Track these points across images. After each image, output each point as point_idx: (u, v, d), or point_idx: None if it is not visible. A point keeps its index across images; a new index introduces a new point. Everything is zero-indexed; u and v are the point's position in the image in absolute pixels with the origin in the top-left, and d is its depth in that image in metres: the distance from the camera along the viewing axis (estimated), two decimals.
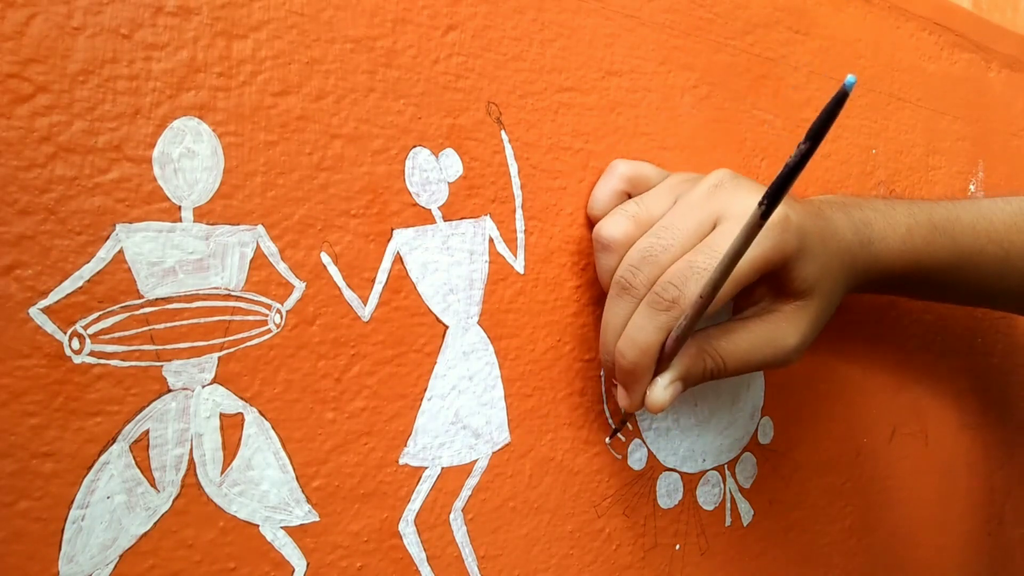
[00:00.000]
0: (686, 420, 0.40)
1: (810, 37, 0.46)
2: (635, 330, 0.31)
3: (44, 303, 0.24)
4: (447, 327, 0.32)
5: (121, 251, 0.25)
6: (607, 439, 0.37)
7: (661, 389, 0.32)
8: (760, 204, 0.25)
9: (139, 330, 0.25)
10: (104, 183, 0.25)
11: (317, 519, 0.29)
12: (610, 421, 0.37)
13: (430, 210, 0.32)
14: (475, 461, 0.33)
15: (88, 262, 0.25)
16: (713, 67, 0.41)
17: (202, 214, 0.27)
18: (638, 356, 0.31)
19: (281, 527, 0.28)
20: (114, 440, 0.25)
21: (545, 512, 0.35)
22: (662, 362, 0.32)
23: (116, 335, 0.25)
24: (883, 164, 0.50)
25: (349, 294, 0.30)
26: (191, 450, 0.26)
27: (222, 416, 0.27)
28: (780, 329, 0.33)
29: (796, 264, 0.32)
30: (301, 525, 0.28)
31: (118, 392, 0.25)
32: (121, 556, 0.25)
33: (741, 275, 0.31)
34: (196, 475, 0.26)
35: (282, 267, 0.28)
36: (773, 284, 0.34)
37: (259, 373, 0.28)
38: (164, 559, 0.26)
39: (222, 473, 0.27)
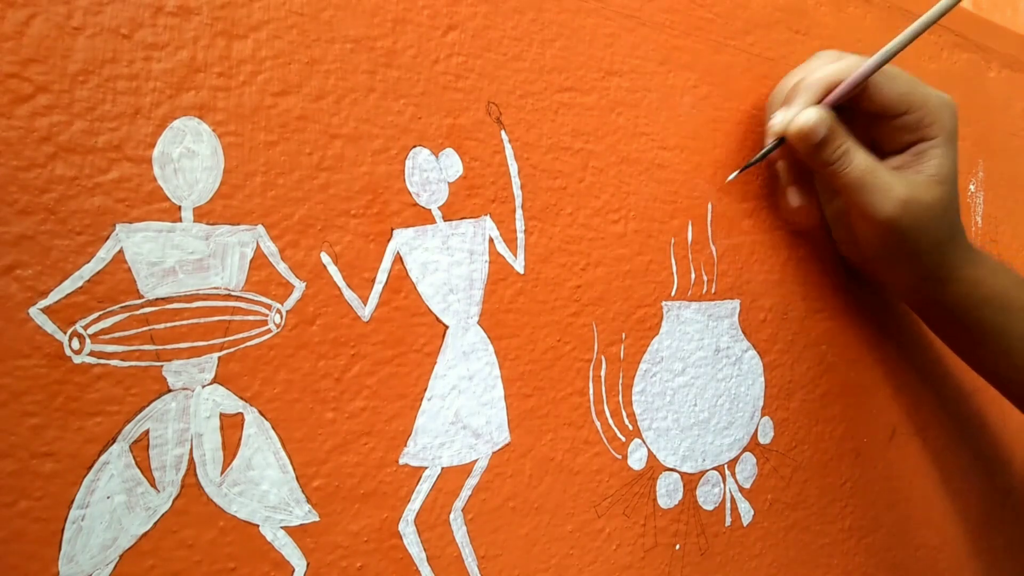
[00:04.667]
0: (686, 420, 0.40)
1: (810, 37, 0.46)
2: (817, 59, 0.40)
3: (44, 303, 0.24)
4: (447, 327, 0.32)
5: (121, 251, 0.25)
6: (733, 174, 0.41)
7: (811, 112, 0.38)
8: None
9: (139, 330, 0.25)
10: (104, 183, 0.25)
11: (317, 519, 0.29)
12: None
13: (430, 210, 0.32)
14: (475, 461, 0.33)
15: (88, 262, 0.25)
16: (713, 67, 0.41)
17: (202, 214, 0.27)
18: (805, 82, 0.39)
19: (281, 527, 0.28)
20: (114, 440, 0.25)
21: (545, 512, 0.35)
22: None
23: (116, 335, 0.25)
24: None
25: (349, 294, 0.30)
26: (191, 450, 0.26)
27: (222, 416, 0.27)
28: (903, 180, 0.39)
29: (936, 148, 0.40)
30: (301, 525, 0.28)
31: (118, 392, 0.25)
32: (121, 556, 0.25)
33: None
34: (196, 475, 0.26)
35: (282, 267, 0.28)
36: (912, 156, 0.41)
37: (259, 373, 0.28)
38: (164, 559, 0.26)
39: (222, 473, 0.27)
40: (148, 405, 0.25)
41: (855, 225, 0.42)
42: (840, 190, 0.40)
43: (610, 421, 0.37)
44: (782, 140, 0.40)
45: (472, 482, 0.33)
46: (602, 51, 0.37)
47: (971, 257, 0.43)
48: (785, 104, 0.40)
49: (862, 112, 0.40)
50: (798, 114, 0.38)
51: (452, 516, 0.32)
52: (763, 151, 0.40)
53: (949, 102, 0.41)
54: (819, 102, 0.39)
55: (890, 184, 0.39)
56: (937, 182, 0.40)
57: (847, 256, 0.47)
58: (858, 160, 0.39)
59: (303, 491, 0.28)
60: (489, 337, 0.33)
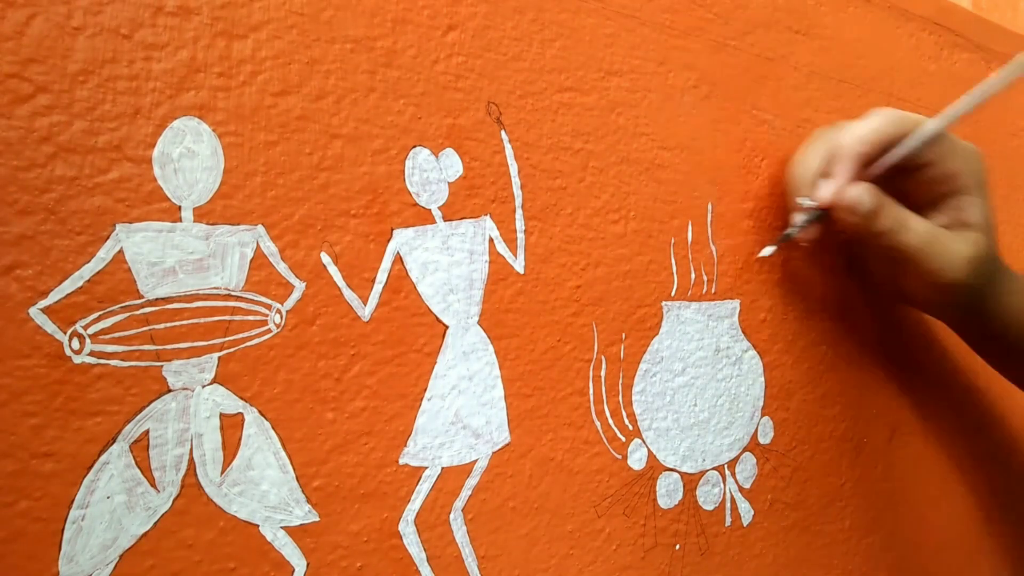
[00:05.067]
0: (686, 420, 0.40)
1: (810, 37, 0.46)
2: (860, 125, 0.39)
3: (44, 303, 0.24)
4: (447, 327, 0.32)
5: (121, 251, 0.25)
6: (770, 249, 0.42)
7: (861, 188, 0.38)
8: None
9: (139, 330, 0.25)
10: (104, 183, 0.25)
11: (317, 519, 0.29)
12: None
13: (430, 210, 0.32)
14: (475, 461, 0.33)
15: (88, 262, 0.25)
16: (713, 67, 0.41)
17: (202, 214, 0.27)
18: (853, 142, 0.38)
19: (281, 527, 0.28)
20: (114, 440, 0.25)
21: (545, 512, 0.35)
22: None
23: (116, 335, 0.25)
24: None
25: (349, 294, 0.30)
26: (191, 450, 0.26)
27: (222, 416, 0.27)
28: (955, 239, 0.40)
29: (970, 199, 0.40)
30: (301, 525, 0.28)
31: (118, 392, 0.25)
32: (121, 556, 0.25)
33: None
34: (196, 475, 0.26)
35: (282, 267, 0.28)
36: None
37: (259, 373, 0.28)
38: (164, 559, 0.26)
39: (222, 473, 0.27)
40: (148, 405, 0.25)
41: (912, 286, 0.42)
42: (897, 257, 0.40)
43: (610, 421, 0.37)
44: (821, 212, 0.39)
45: (472, 482, 0.33)
46: (602, 51, 0.37)
47: (1015, 284, 0.43)
48: (824, 175, 0.39)
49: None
50: (845, 189, 0.38)
51: (452, 516, 0.32)
52: (803, 221, 0.40)
53: (976, 151, 0.41)
54: (862, 166, 0.39)
55: (953, 247, 0.39)
56: (986, 232, 0.40)
57: (894, 296, 0.47)
58: (915, 226, 0.39)
59: (303, 491, 0.28)
60: (489, 337, 0.33)
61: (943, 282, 0.40)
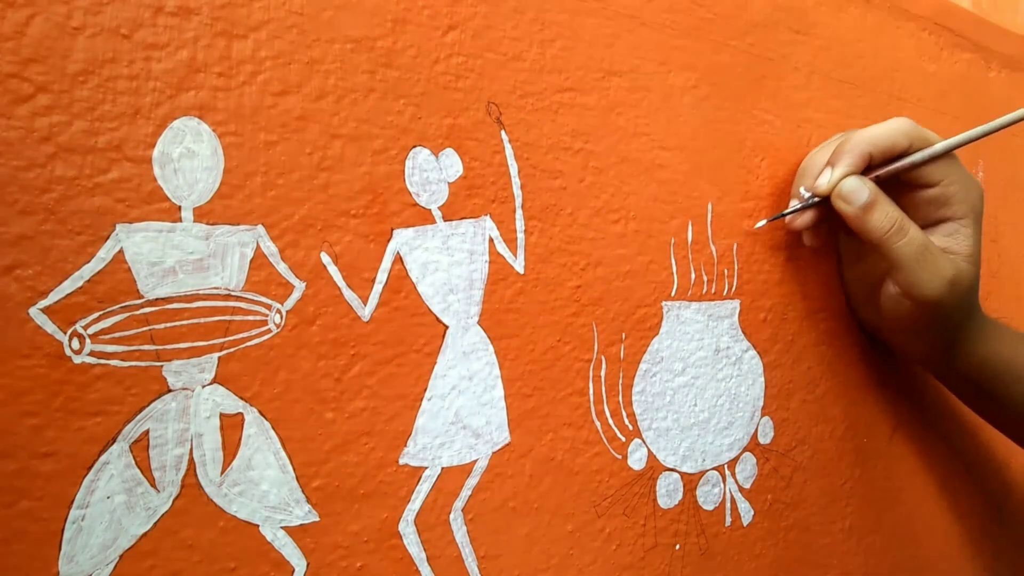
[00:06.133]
0: (686, 420, 0.40)
1: (810, 37, 0.46)
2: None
3: (44, 303, 0.24)
4: (447, 327, 0.32)
5: (121, 251, 0.25)
6: (763, 221, 0.42)
7: (858, 180, 0.39)
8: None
9: (139, 330, 0.25)
10: (104, 183, 0.25)
11: (317, 519, 0.29)
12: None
13: (430, 210, 0.32)
14: (475, 461, 0.33)
15: (88, 262, 0.25)
16: (713, 67, 0.41)
17: (202, 214, 0.27)
18: (860, 139, 0.39)
19: (281, 527, 0.28)
20: (114, 440, 0.25)
21: (545, 512, 0.35)
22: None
23: (116, 335, 0.25)
24: None
25: (349, 294, 0.30)
26: (191, 450, 0.26)
27: (222, 416, 0.27)
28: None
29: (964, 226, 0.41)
30: (301, 525, 0.28)
31: (118, 392, 0.25)
32: (121, 556, 0.25)
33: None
34: (196, 475, 0.26)
35: (282, 267, 0.28)
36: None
37: (259, 373, 0.28)
38: (164, 559, 0.26)
39: (222, 473, 0.27)
40: (148, 405, 0.25)
41: (889, 297, 0.42)
42: (890, 262, 0.40)
43: (610, 421, 0.37)
44: (821, 199, 0.40)
45: (472, 482, 0.33)
46: (602, 51, 0.37)
47: (988, 329, 0.44)
48: (829, 164, 0.40)
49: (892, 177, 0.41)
50: (843, 179, 0.39)
51: (452, 516, 0.32)
52: (801, 204, 0.41)
53: (979, 185, 0.41)
54: (865, 164, 0.39)
55: (941, 264, 0.39)
56: (972, 263, 0.40)
57: (864, 319, 0.47)
58: (914, 235, 0.39)
59: (303, 491, 0.28)
60: (489, 337, 0.33)
61: (923, 297, 0.39)
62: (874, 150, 0.39)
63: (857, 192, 0.38)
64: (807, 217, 0.41)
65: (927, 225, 0.41)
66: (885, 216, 0.39)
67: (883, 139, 0.39)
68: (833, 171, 0.39)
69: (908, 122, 0.40)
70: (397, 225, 0.31)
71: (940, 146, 0.39)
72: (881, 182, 0.39)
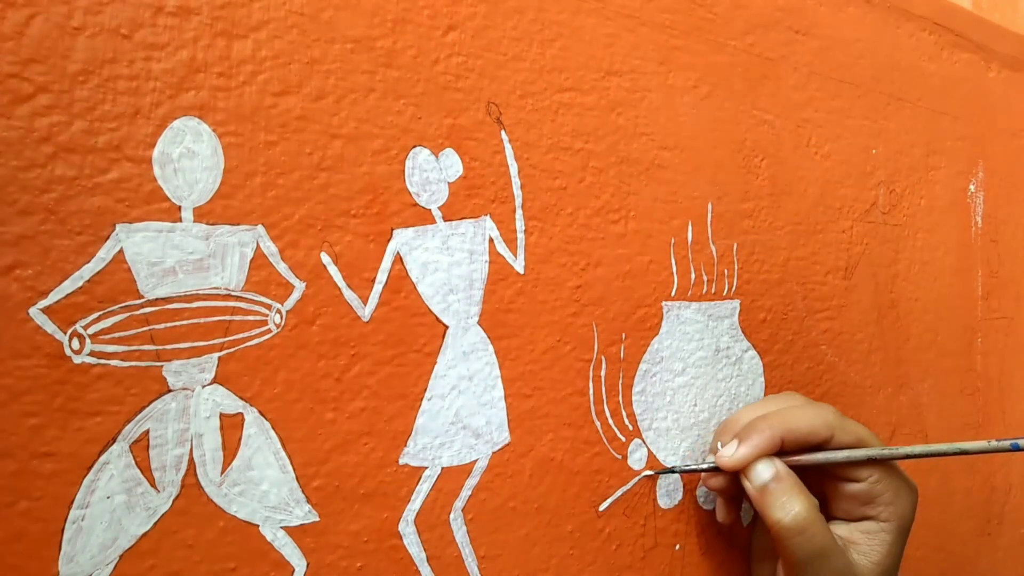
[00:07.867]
0: (686, 420, 0.40)
1: (810, 37, 0.46)
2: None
3: (44, 303, 0.24)
4: (447, 327, 0.32)
5: (121, 251, 0.25)
6: (658, 472, 0.39)
7: (765, 464, 0.36)
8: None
9: (139, 330, 0.25)
10: (104, 183, 0.25)
11: (317, 519, 0.29)
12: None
13: (430, 210, 0.32)
14: (475, 461, 0.33)
15: (88, 262, 0.25)
16: (713, 67, 0.41)
17: (202, 214, 0.27)
18: (779, 424, 0.36)
19: (281, 527, 0.28)
20: (114, 440, 0.25)
21: (545, 512, 0.35)
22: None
23: (116, 335, 0.25)
24: (883, 164, 0.51)
25: (349, 294, 0.30)
26: (191, 450, 0.26)
27: (222, 416, 0.27)
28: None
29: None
30: (301, 525, 0.28)
31: (118, 392, 0.25)
32: (121, 556, 0.25)
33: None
34: (196, 475, 0.26)
35: (282, 267, 0.28)
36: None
37: (259, 373, 0.28)
38: (164, 559, 0.26)
39: (222, 473, 0.27)
40: (148, 405, 0.25)
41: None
42: (782, 555, 0.36)
43: (610, 421, 0.37)
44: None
45: (472, 482, 0.33)
46: (602, 51, 0.37)
47: None
48: (740, 436, 0.36)
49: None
50: (754, 466, 0.35)
51: (452, 516, 0.32)
52: (699, 467, 0.38)
53: (912, 488, 0.38)
54: (775, 448, 0.36)
55: (839, 574, 0.35)
56: (878, 574, 0.36)
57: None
58: (814, 534, 0.34)
59: (303, 491, 0.28)
60: (489, 337, 0.33)
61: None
62: (788, 436, 0.36)
63: (759, 471, 0.35)
64: (720, 481, 0.38)
65: (846, 517, 0.37)
66: (784, 505, 0.34)
67: (801, 427, 0.36)
68: (738, 448, 0.36)
69: (832, 412, 0.37)
70: (397, 225, 0.31)
71: (860, 453, 0.36)
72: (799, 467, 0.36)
